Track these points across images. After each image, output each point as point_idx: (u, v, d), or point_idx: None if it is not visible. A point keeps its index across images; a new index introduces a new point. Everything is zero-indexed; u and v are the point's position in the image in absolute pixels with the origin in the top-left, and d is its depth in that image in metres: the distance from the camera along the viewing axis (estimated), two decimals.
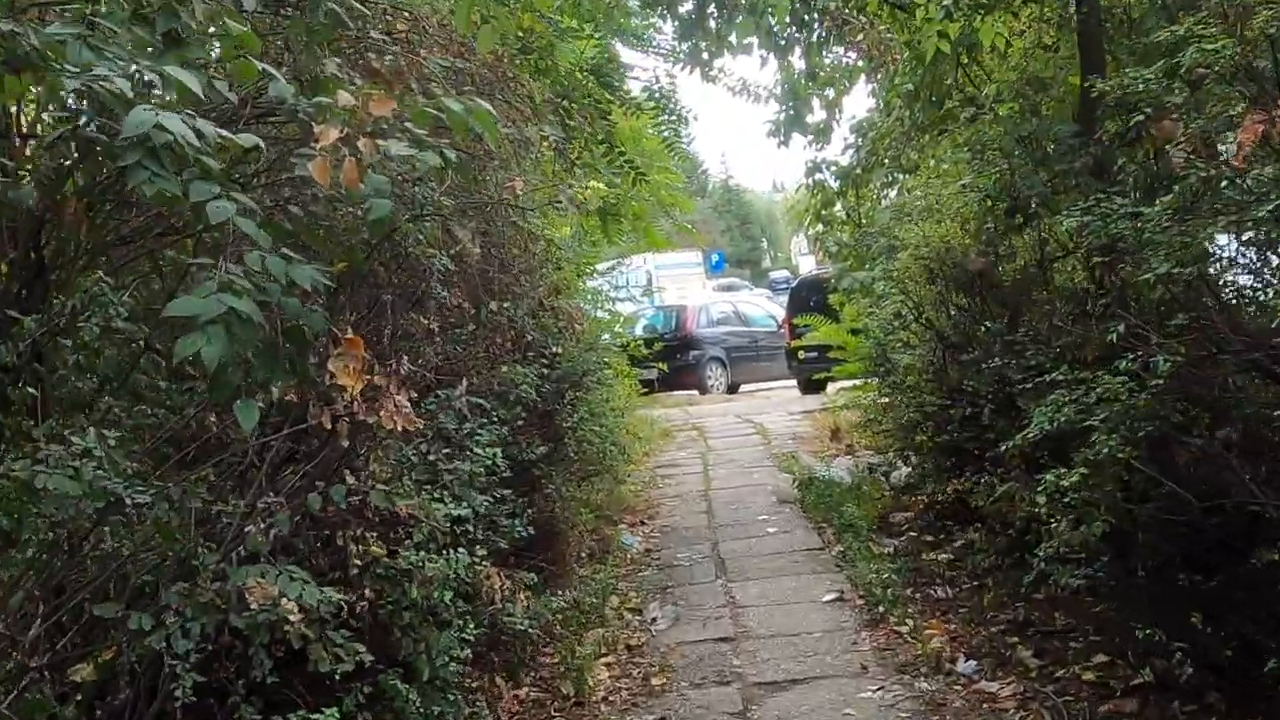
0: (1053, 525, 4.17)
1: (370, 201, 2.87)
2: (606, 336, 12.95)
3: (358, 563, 3.47)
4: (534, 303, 5.53)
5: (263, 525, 3.14)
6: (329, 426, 3.18)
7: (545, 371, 5.41)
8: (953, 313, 6.21)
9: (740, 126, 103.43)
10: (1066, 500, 3.94)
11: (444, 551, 3.63)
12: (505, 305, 4.82)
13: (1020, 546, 5.75)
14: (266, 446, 3.36)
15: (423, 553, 3.55)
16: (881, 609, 6.01)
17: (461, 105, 3.10)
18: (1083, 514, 3.94)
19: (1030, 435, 4.06)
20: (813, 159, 12.06)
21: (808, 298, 18.58)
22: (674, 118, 9.60)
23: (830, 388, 19.22)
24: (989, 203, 5.37)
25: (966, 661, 5.25)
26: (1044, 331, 5.03)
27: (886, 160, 11.18)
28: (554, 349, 5.79)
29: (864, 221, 12.16)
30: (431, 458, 3.70)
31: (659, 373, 18.47)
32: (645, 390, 18.08)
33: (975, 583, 6.25)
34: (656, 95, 10.00)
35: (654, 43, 11.31)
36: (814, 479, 9.33)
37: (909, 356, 6.46)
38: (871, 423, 11.96)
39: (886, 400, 8.14)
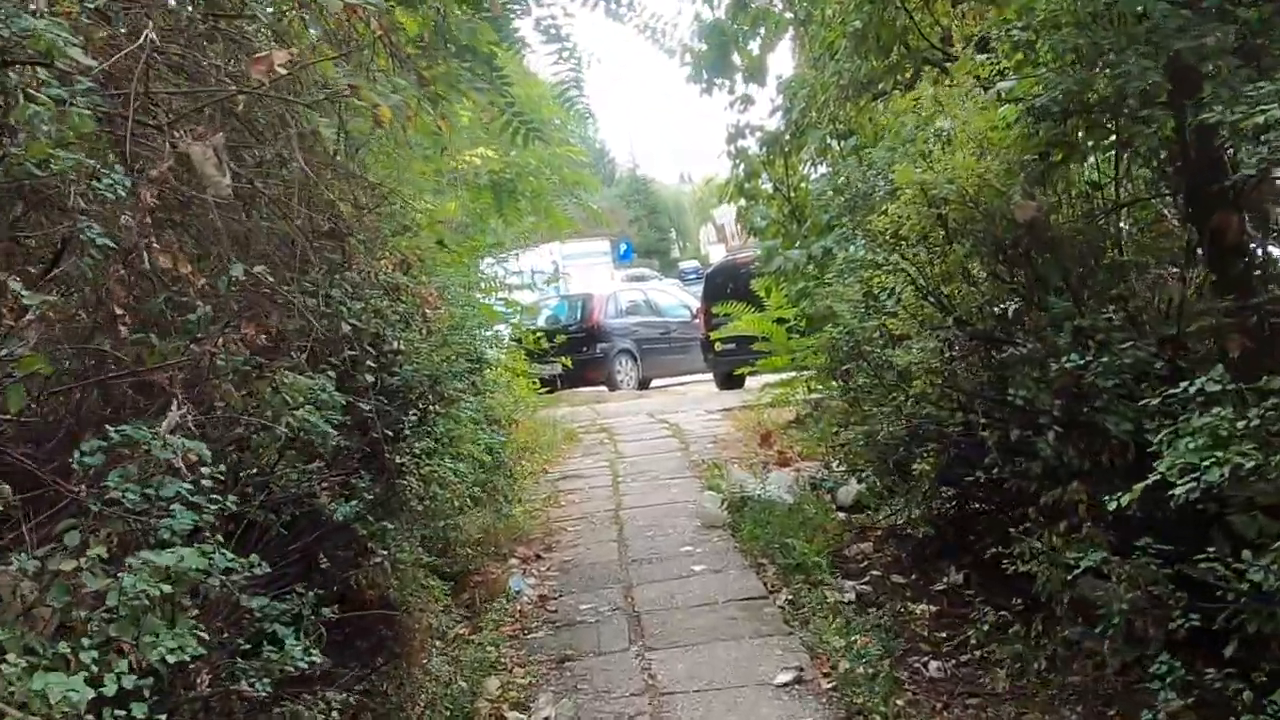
0: None
1: None
2: (503, 329, 11.25)
3: None
4: (366, 277, 3.77)
5: None
6: None
7: (377, 379, 3.66)
8: (984, 286, 4.52)
9: (647, 115, 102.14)
10: None
11: None
12: (305, 278, 3.08)
13: (1046, 609, 4.17)
14: None
15: None
16: (860, 699, 4.36)
17: None
18: None
19: (1179, 489, 2.44)
20: (735, 124, 10.46)
21: (724, 284, 17.01)
22: (572, 58, 7.97)
23: (751, 381, 17.76)
24: (1050, 114, 3.69)
25: None
26: (1141, 312, 3.41)
27: (822, 122, 9.60)
28: (394, 345, 4.03)
29: (793, 195, 10.60)
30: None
31: (563, 368, 16.77)
32: (547, 388, 16.38)
33: (980, 653, 4.64)
34: (551, 30, 8.32)
35: None
36: (747, 499, 7.65)
37: (906, 353, 4.70)
38: (809, 423, 10.42)
39: (845, 406, 6.41)
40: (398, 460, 4.00)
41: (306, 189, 3.02)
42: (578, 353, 18.41)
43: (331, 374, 3.08)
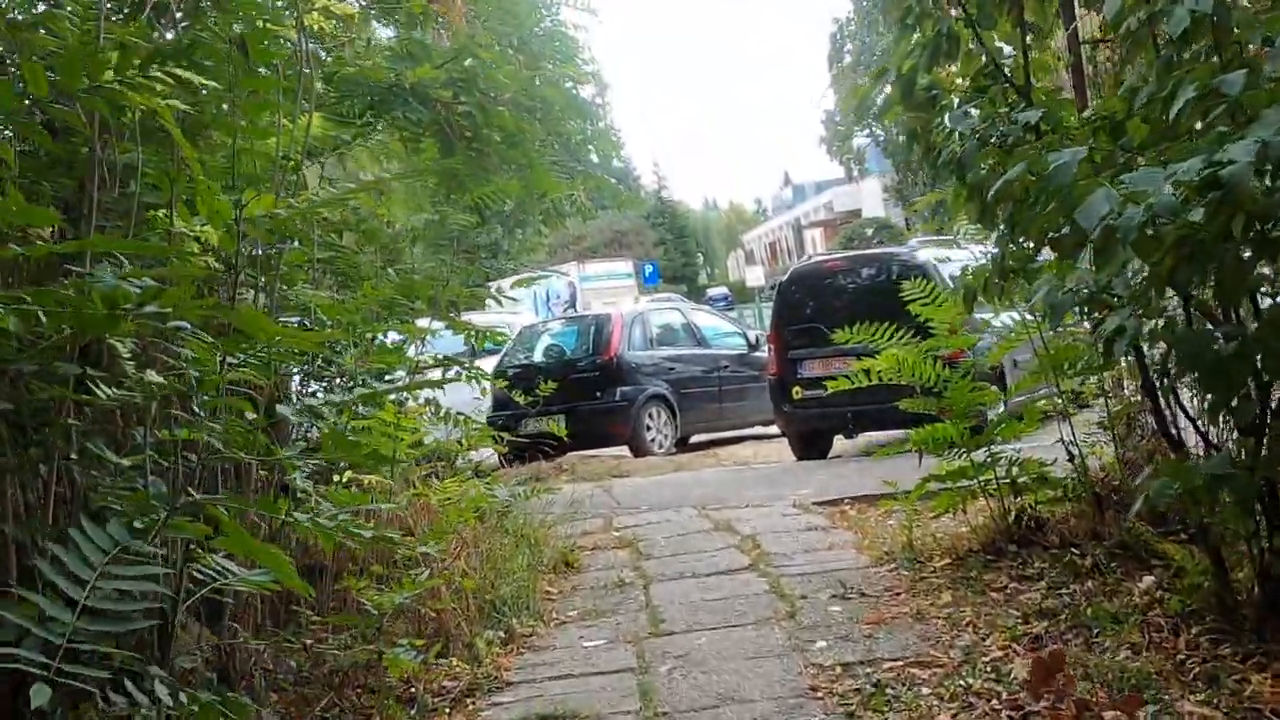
0: None
1: None
2: (400, 373, 5.74)
3: None
4: None
5: None
6: None
7: None
8: None
9: (672, 136, 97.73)
10: None
11: None
12: None
13: None
14: None
15: None
16: None
17: None
18: None
19: None
20: None
21: (805, 301, 11.48)
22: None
23: (839, 443, 12.08)
24: None
25: None
26: None
27: None
28: None
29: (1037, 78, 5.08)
30: None
31: (570, 422, 11.23)
32: (545, 453, 10.81)
33: None
34: None
35: None
36: None
37: None
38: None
39: None
40: None
41: None
42: (589, 398, 12.87)
43: None
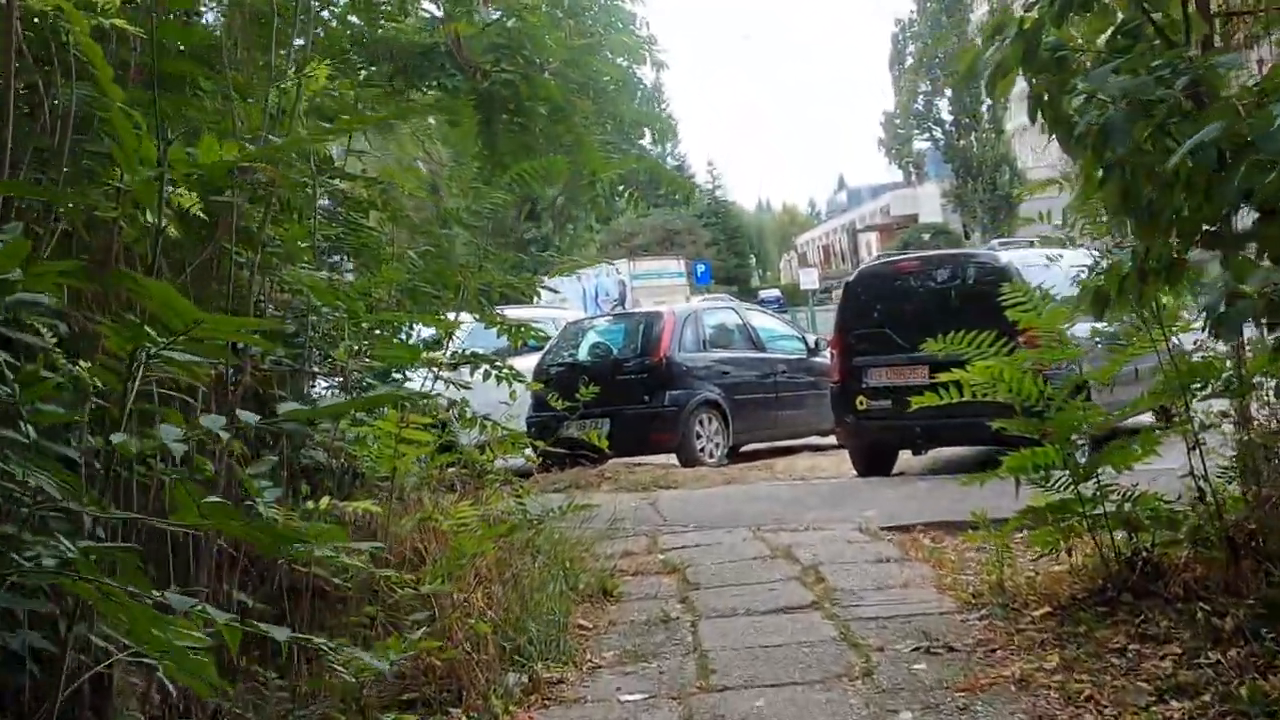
0: None
1: None
2: (420, 377, 4.96)
3: None
4: None
5: None
6: None
7: None
8: None
9: (726, 135, 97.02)
10: None
11: None
12: None
13: None
14: None
15: None
16: None
17: None
18: None
19: None
20: None
21: (872, 303, 10.61)
22: None
23: (904, 457, 11.14)
24: None
25: None
26: None
27: None
28: None
29: None
30: None
31: (609, 427, 10.43)
32: (587, 458, 10.03)
33: None
34: None
35: None
36: None
37: None
38: None
39: None
40: None
41: None
42: (636, 402, 12.06)
43: None
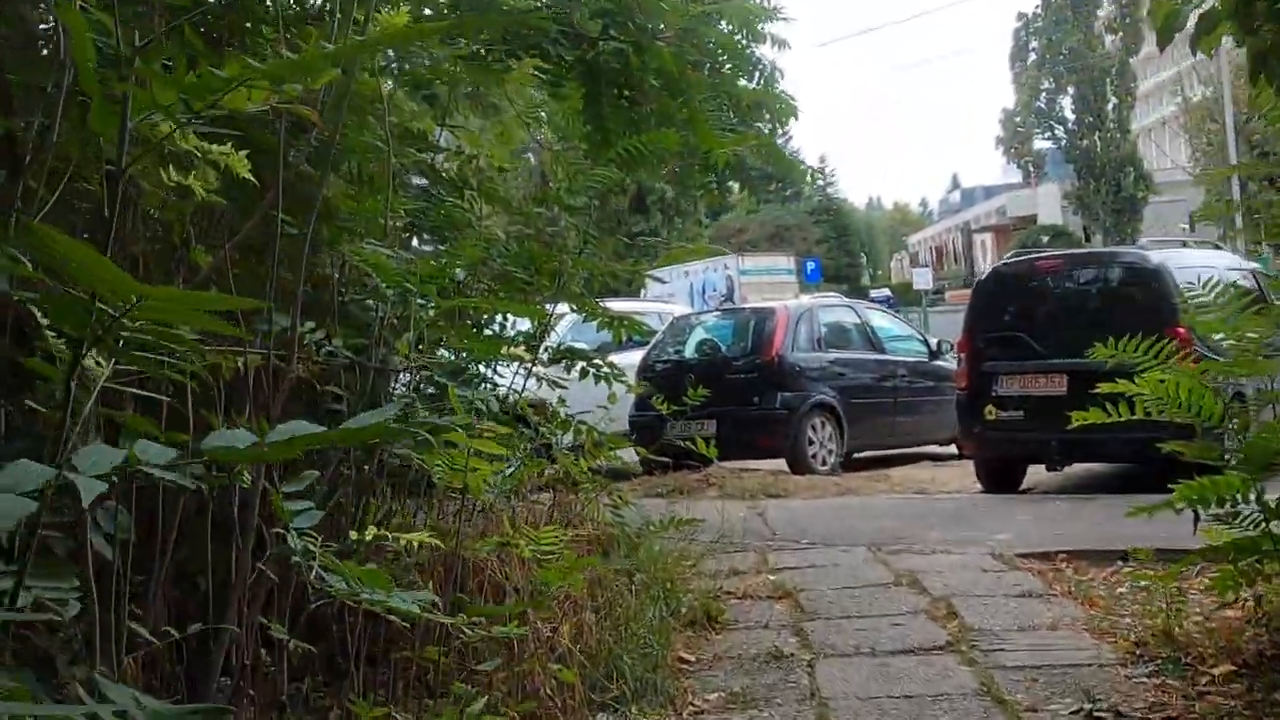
0: None
1: None
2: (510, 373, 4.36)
3: None
4: None
5: None
6: None
7: None
8: None
9: (839, 132, 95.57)
10: None
11: None
12: None
13: None
14: None
15: None
16: None
17: None
18: None
19: None
20: None
21: (1004, 306, 9.78)
22: None
23: (1032, 471, 10.26)
24: None
25: None
26: None
27: None
28: None
29: None
30: None
31: (715, 429, 9.79)
32: (694, 462, 9.34)
33: None
34: None
35: None
36: None
37: None
38: None
39: None
40: None
41: None
42: (745, 403, 11.37)
43: None
